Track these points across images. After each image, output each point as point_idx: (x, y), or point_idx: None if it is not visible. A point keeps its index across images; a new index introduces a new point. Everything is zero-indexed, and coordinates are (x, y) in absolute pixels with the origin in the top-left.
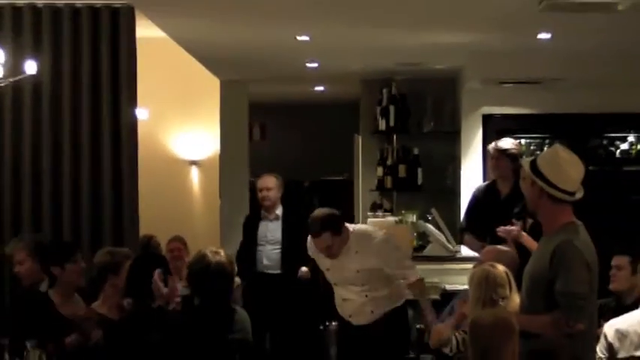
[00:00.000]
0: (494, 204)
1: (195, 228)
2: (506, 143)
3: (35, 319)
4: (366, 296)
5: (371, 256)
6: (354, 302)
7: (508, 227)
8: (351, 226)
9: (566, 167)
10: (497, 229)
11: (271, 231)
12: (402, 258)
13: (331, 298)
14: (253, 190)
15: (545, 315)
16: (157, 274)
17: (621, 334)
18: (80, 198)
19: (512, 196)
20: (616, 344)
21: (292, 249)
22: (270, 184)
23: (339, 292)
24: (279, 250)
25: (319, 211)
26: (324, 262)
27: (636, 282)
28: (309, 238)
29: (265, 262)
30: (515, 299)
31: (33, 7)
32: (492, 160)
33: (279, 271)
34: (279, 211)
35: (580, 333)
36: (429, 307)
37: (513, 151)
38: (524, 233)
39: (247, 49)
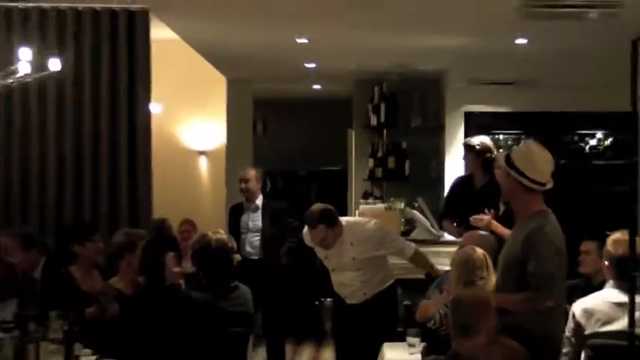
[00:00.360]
0: (470, 194)
1: (203, 212)
2: (474, 140)
3: (58, 292)
4: (361, 282)
5: (366, 244)
6: (350, 287)
7: (480, 216)
8: (343, 220)
9: (537, 160)
10: (470, 218)
11: (252, 220)
12: (394, 239)
13: (326, 277)
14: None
15: (518, 294)
16: (169, 258)
17: (588, 313)
18: (100, 184)
19: (485, 188)
20: (583, 322)
21: (272, 236)
22: (248, 176)
23: (336, 277)
24: (258, 238)
25: (316, 206)
26: (321, 252)
27: (599, 266)
28: (305, 229)
29: (248, 249)
30: (492, 280)
31: (57, 10)
32: (464, 155)
33: (260, 257)
34: (259, 201)
35: (549, 309)
36: (436, 269)
37: (478, 147)
38: (494, 221)
39: (251, 50)
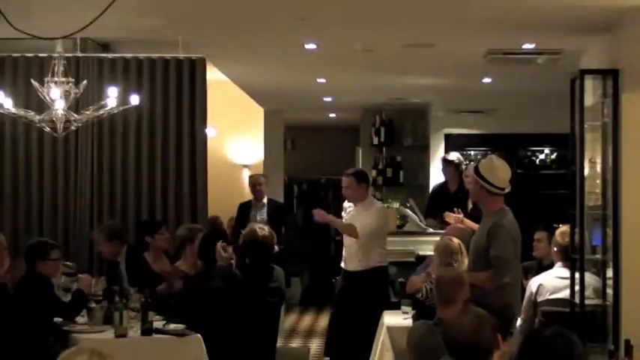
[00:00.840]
0: (446, 197)
1: None
2: (452, 156)
3: (136, 273)
4: (359, 247)
5: (372, 216)
6: (351, 249)
7: (454, 214)
8: (373, 199)
9: (497, 171)
10: (445, 215)
11: (260, 215)
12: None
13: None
14: (289, 184)
15: (483, 272)
16: (219, 245)
17: (540, 285)
18: (168, 190)
19: (457, 191)
20: (536, 293)
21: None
22: (261, 180)
23: (345, 241)
24: None
25: (359, 167)
26: (346, 216)
27: (549, 251)
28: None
29: None
30: (465, 262)
31: (137, 59)
32: (442, 167)
33: None
34: (265, 200)
35: (508, 285)
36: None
37: (456, 161)
38: (464, 218)
39: (283, 88)
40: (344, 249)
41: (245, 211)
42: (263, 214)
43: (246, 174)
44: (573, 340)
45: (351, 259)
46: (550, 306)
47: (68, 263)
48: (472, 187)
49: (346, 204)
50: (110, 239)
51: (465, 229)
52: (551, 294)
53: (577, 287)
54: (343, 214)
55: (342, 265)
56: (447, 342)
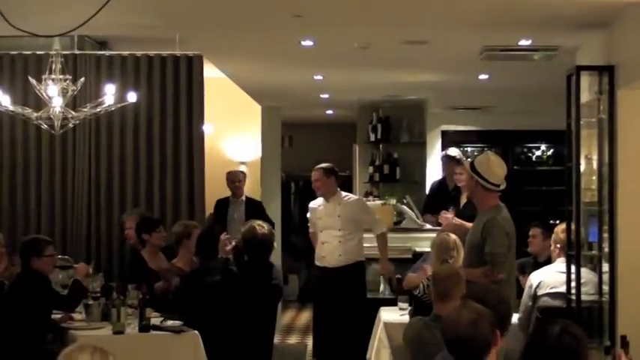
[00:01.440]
0: (444, 194)
1: None
2: (453, 152)
3: (134, 270)
4: (339, 242)
5: (352, 207)
6: (330, 244)
7: (446, 215)
8: (343, 192)
9: (493, 167)
10: (439, 216)
11: (237, 212)
12: (373, 214)
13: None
14: (287, 181)
15: (479, 268)
16: (223, 236)
17: (541, 281)
18: (165, 187)
19: (456, 189)
20: (536, 287)
21: None
22: (240, 177)
23: (322, 238)
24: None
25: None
26: (317, 214)
27: (547, 246)
28: (310, 204)
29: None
30: (461, 258)
31: (134, 56)
32: (443, 163)
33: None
34: (243, 197)
35: (502, 280)
36: (386, 259)
37: (457, 157)
38: (455, 218)
39: (280, 85)
40: (320, 246)
41: (223, 207)
42: (241, 212)
43: (244, 171)
44: (580, 338)
45: (331, 255)
46: (549, 299)
47: (65, 257)
48: (468, 184)
49: (311, 204)
50: (136, 229)
51: (461, 225)
52: (551, 288)
53: (573, 283)
54: (308, 215)
55: (319, 263)
56: (444, 337)
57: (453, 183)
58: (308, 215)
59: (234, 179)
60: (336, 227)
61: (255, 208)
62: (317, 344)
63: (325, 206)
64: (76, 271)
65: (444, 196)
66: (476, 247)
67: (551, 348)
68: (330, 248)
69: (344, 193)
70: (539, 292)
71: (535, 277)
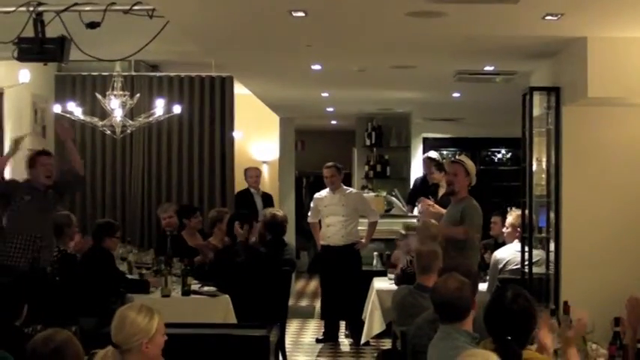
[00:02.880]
0: (425, 187)
1: None
2: (434, 154)
3: (177, 247)
4: (342, 225)
5: (353, 198)
6: (335, 227)
7: (426, 201)
8: (346, 188)
9: (472, 165)
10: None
11: (258, 200)
12: (370, 204)
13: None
14: (299, 177)
15: (460, 227)
16: (236, 224)
17: (502, 258)
18: (202, 180)
19: (434, 184)
20: (499, 264)
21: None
22: (259, 172)
23: (327, 221)
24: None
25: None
26: (323, 203)
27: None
28: (313, 204)
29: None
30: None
31: (179, 77)
32: (424, 164)
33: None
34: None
35: (471, 255)
36: (369, 239)
37: (437, 158)
38: (434, 204)
39: (294, 100)
40: (326, 229)
41: (245, 197)
42: (259, 202)
43: (265, 168)
44: (529, 299)
45: (334, 235)
46: (508, 275)
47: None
48: (458, 179)
49: (317, 195)
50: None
51: (439, 211)
52: (510, 264)
53: (527, 260)
54: (312, 204)
55: (324, 242)
56: (433, 300)
57: (433, 178)
58: (312, 204)
59: (253, 174)
60: (340, 214)
61: (268, 199)
62: (323, 306)
63: (331, 197)
64: (152, 281)
65: (425, 189)
66: (455, 223)
67: (508, 308)
68: (335, 230)
69: (346, 187)
70: (506, 268)
71: (500, 255)
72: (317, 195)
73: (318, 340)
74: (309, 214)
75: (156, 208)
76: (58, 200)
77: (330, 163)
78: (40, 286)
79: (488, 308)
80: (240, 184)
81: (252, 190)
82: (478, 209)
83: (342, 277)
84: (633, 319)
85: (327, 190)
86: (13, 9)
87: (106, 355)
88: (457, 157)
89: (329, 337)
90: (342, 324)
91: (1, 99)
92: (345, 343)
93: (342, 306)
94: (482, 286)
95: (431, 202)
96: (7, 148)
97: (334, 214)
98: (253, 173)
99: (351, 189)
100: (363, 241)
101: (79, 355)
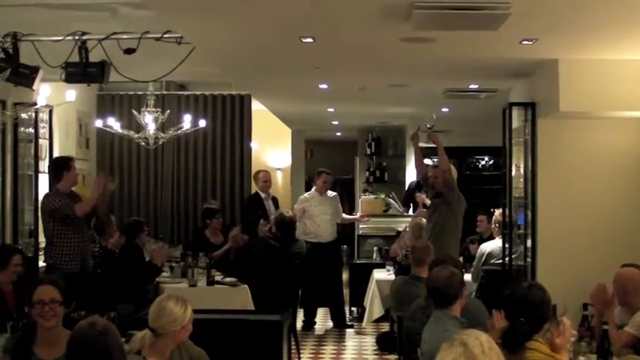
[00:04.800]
0: (418, 190)
1: (281, 200)
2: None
3: (199, 244)
4: (330, 224)
5: (334, 199)
6: (325, 224)
7: (420, 195)
8: (329, 191)
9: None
10: (417, 195)
11: (268, 204)
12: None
13: None
14: (308, 183)
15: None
16: (260, 223)
17: (486, 251)
18: (224, 186)
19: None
20: (483, 256)
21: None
22: (270, 177)
23: (317, 221)
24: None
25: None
26: (313, 204)
27: (490, 227)
28: (297, 206)
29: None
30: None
31: (204, 95)
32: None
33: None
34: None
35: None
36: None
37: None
38: (426, 199)
39: (304, 115)
40: (315, 227)
41: (257, 201)
42: (270, 204)
43: (279, 175)
44: (543, 289)
45: (325, 232)
46: (493, 265)
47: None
48: (438, 181)
49: (304, 196)
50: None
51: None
52: (493, 258)
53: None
54: (296, 206)
55: (314, 240)
56: (427, 287)
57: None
58: (297, 206)
59: (265, 179)
60: (327, 213)
61: (276, 202)
62: (304, 296)
63: (319, 199)
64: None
65: (418, 191)
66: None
67: (525, 297)
68: (325, 227)
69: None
70: (490, 260)
71: (486, 249)
72: (305, 196)
73: (303, 328)
74: (297, 206)
75: (184, 208)
76: None
77: (328, 170)
78: (84, 280)
79: (507, 300)
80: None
81: (262, 194)
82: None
83: (331, 269)
84: (599, 304)
85: (313, 192)
86: (61, 38)
87: (143, 337)
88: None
89: (310, 324)
90: (321, 310)
91: (51, 115)
92: (349, 330)
93: (325, 294)
94: (467, 277)
95: (423, 195)
96: (51, 155)
97: (324, 214)
98: (264, 177)
99: (331, 192)
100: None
101: (118, 336)
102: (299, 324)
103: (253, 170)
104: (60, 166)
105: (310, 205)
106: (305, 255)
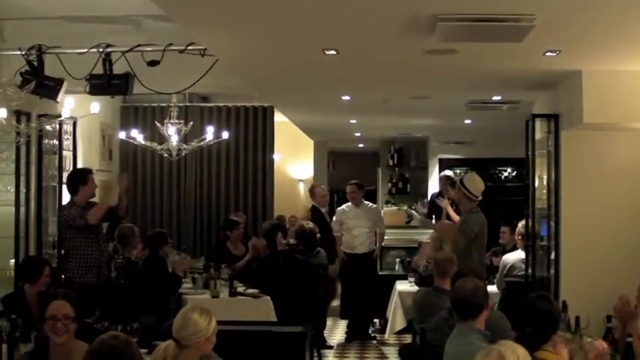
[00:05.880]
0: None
1: (300, 212)
2: (448, 172)
3: (220, 255)
4: (367, 236)
5: (374, 212)
6: (361, 237)
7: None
8: (367, 202)
9: (475, 184)
10: (437, 200)
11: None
12: (382, 219)
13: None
14: (331, 193)
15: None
16: (279, 235)
17: (508, 262)
18: (247, 196)
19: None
20: (506, 268)
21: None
22: (325, 193)
23: (354, 233)
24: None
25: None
26: (349, 216)
27: (513, 239)
28: (335, 218)
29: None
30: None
31: (226, 107)
32: (441, 181)
33: None
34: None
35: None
36: (380, 247)
37: (451, 176)
38: (448, 205)
39: (327, 126)
40: (351, 238)
41: (320, 215)
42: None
43: (301, 186)
44: (552, 301)
45: (361, 244)
46: (515, 276)
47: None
48: (457, 194)
49: (340, 209)
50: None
51: (450, 223)
52: (515, 270)
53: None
54: (335, 218)
55: (349, 251)
56: (452, 299)
57: (448, 194)
58: (335, 218)
59: (325, 193)
60: (364, 226)
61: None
62: (344, 307)
63: (355, 211)
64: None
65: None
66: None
67: (532, 307)
68: (361, 240)
69: (366, 202)
70: (512, 272)
71: (509, 260)
72: (340, 209)
73: (346, 339)
74: (334, 227)
75: (207, 220)
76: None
77: (352, 181)
78: (107, 291)
79: (514, 304)
80: (280, 200)
81: (321, 209)
82: (476, 219)
83: (366, 280)
84: (622, 315)
85: (350, 204)
86: (85, 50)
87: (167, 348)
88: (462, 178)
89: (354, 335)
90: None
91: (75, 127)
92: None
93: (365, 305)
94: (491, 288)
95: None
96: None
97: (360, 226)
98: (321, 192)
99: (371, 204)
100: (377, 251)
101: (138, 349)
102: (341, 335)
103: (276, 181)
104: (76, 180)
105: (347, 217)
106: (341, 266)
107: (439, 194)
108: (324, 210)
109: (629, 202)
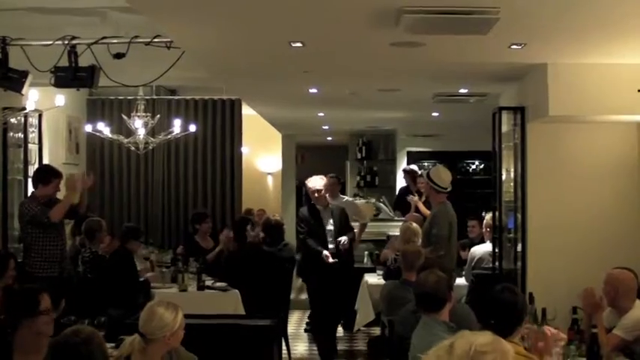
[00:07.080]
0: (407, 195)
1: (269, 205)
2: (410, 167)
3: (190, 249)
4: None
5: (349, 207)
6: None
7: (413, 198)
8: (343, 196)
9: (442, 176)
10: (410, 198)
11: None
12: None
13: None
14: (300, 187)
15: (428, 248)
16: (248, 228)
17: (476, 255)
18: (215, 190)
19: (418, 192)
20: (474, 260)
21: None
22: (320, 185)
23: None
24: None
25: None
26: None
27: (481, 232)
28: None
29: None
30: (420, 240)
31: (194, 100)
32: (404, 175)
33: None
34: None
35: (444, 255)
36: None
37: (413, 170)
38: (419, 202)
39: (295, 119)
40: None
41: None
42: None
43: (270, 179)
44: (517, 293)
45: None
46: (482, 270)
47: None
48: (425, 187)
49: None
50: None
51: (419, 216)
52: (483, 262)
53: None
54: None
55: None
56: (415, 293)
57: (415, 188)
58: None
59: (316, 189)
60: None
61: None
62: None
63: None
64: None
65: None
66: (426, 232)
67: (496, 299)
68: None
69: (342, 195)
70: (480, 265)
71: (477, 252)
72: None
73: (306, 330)
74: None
75: (175, 214)
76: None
77: (331, 174)
78: (74, 285)
79: (479, 296)
80: (249, 194)
81: (318, 206)
82: (446, 213)
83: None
84: (588, 307)
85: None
86: (50, 42)
87: (132, 342)
88: (429, 171)
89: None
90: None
91: (41, 120)
92: (339, 330)
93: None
94: (460, 280)
95: (415, 198)
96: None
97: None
98: (310, 188)
99: (346, 197)
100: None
101: (102, 345)
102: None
103: (244, 175)
104: (39, 176)
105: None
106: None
107: (407, 189)
108: (320, 206)
109: (595, 194)
